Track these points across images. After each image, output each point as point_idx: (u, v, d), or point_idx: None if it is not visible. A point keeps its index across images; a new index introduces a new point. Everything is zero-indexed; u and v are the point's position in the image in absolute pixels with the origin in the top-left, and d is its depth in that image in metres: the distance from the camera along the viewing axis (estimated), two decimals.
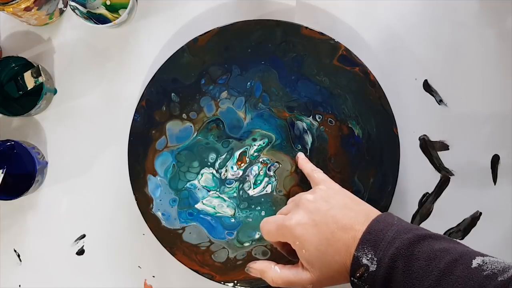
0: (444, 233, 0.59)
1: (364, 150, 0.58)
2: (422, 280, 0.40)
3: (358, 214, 0.45)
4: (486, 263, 0.39)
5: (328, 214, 0.46)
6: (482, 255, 0.40)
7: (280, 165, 0.60)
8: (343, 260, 0.44)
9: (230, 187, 0.60)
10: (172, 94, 0.59)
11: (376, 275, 0.42)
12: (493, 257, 0.40)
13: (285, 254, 0.51)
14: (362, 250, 0.43)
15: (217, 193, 0.60)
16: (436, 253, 0.41)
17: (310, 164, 0.56)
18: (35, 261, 0.63)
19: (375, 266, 0.42)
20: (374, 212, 0.46)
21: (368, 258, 0.42)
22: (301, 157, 0.58)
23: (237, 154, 0.60)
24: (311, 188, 0.58)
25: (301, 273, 0.47)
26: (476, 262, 0.39)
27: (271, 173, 0.60)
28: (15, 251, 0.63)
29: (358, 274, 0.43)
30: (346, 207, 0.46)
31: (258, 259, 0.58)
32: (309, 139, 0.59)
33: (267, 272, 0.49)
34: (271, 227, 0.49)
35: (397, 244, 0.42)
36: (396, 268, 0.41)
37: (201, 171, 0.60)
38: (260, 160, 0.60)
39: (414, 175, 0.60)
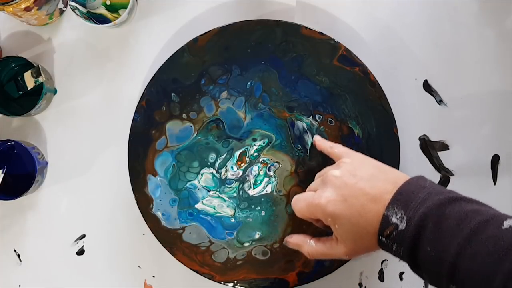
0: None
1: (364, 150, 0.58)
2: (452, 239, 0.39)
3: (385, 183, 0.45)
4: None
5: (356, 187, 0.45)
6: None
7: (280, 165, 0.60)
8: (375, 230, 0.44)
9: (230, 187, 0.60)
10: (172, 94, 0.59)
11: (405, 234, 0.41)
12: None
13: (321, 228, 0.51)
14: (392, 209, 0.43)
15: (217, 193, 0.60)
16: (467, 213, 0.40)
17: (328, 142, 0.54)
18: (35, 261, 0.63)
19: (404, 224, 0.42)
20: (402, 178, 0.45)
21: (398, 217, 0.42)
22: (317, 138, 0.55)
23: (237, 154, 0.60)
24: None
25: (336, 246, 0.47)
26: (507, 223, 0.39)
27: (271, 173, 0.60)
28: (15, 251, 0.63)
29: (386, 233, 0.42)
30: (373, 177, 0.46)
31: (258, 259, 0.58)
32: (309, 139, 0.59)
33: (303, 246, 0.51)
34: (302, 205, 0.49)
35: (428, 204, 0.41)
36: (425, 226, 0.41)
37: (201, 171, 0.60)
38: (260, 160, 0.60)
39: (414, 175, 0.60)
